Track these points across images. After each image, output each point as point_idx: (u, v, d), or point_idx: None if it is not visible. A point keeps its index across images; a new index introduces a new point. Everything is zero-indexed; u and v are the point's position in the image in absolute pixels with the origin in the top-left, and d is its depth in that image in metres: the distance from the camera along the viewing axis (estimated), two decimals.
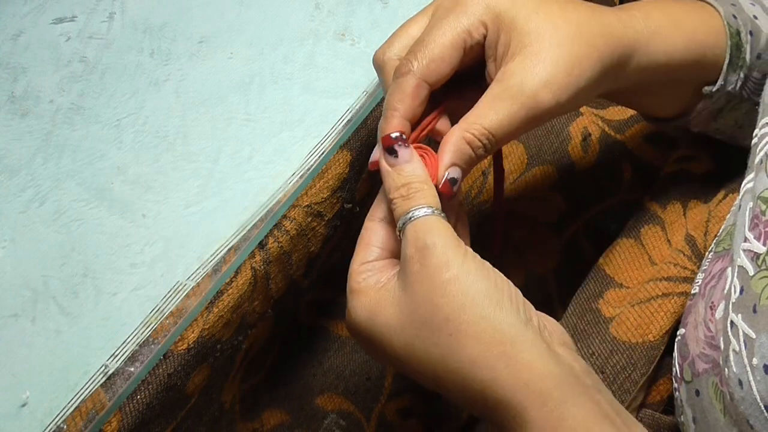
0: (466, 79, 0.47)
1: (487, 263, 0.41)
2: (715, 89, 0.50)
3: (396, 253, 0.44)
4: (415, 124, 0.46)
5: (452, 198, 0.44)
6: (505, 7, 0.44)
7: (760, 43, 0.50)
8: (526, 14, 0.44)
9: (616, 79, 0.47)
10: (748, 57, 0.50)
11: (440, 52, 0.44)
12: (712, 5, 0.50)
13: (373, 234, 0.44)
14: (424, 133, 0.46)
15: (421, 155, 0.44)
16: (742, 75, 0.50)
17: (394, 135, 0.43)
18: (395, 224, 0.43)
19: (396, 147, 0.43)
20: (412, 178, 0.43)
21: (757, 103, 0.50)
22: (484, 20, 0.44)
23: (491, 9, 0.44)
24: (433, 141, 0.47)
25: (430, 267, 0.39)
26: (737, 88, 0.51)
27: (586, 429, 0.36)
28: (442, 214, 0.42)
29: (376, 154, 0.46)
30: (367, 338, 0.42)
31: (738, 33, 0.49)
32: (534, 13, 0.44)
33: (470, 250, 0.41)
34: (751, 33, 0.50)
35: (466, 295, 0.39)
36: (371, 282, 0.42)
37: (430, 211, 0.41)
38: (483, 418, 0.40)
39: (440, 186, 0.43)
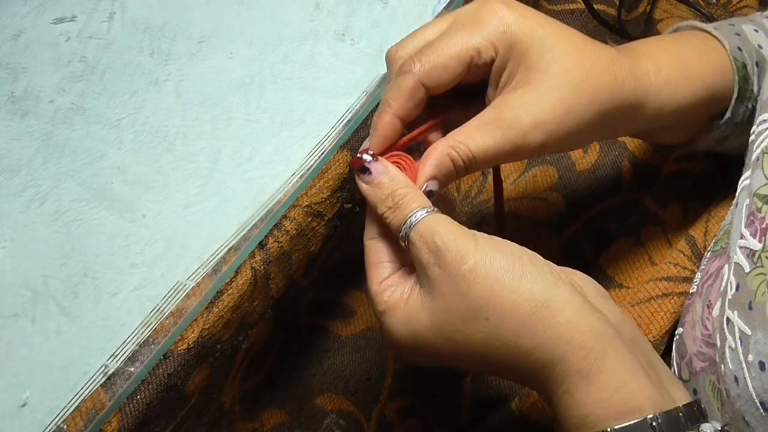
0: (473, 93, 0.47)
1: (498, 238, 0.41)
2: (722, 122, 0.50)
3: (404, 262, 0.45)
4: (409, 126, 0.46)
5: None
6: (522, 38, 0.44)
7: (766, 73, 0.50)
8: (540, 50, 0.44)
9: (616, 130, 0.48)
10: (755, 88, 0.50)
11: (444, 61, 0.44)
12: (717, 39, 0.50)
13: (379, 251, 0.45)
14: (417, 139, 0.46)
15: (398, 163, 0.44)
16: (749, 106, 0.50)
17: (359, 155, 0.44)
18: (393, 236, 0.44)
19: (366, 165, 0.44)
20: (393, 187, 0.43)
21: None
22: (496, 44, 0.44)
23: (508, 35, 0.44)
24: (419, 149, 0.48)
25: (448, 265, 0.40)
26: (745, 118, 0.51)
27: (625, 380, 0.37)
28: (437, 210, 0.42)
29: (366, 144, 0.46)
30: (412, 349, 0.43)
31: (744, 66, 0.49)
32: (549, 52, 0.44)
33: (477, 233, 0.41)
34: (757, 64, 0.50)
35: (489, 278, 0.39)
36: (396, 296, 0.43)
37: (425, 212, 0.42)
38: (531, 386, 0.41)
39: None
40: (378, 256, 0.45)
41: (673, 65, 0.48)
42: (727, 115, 0.50)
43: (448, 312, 0.40)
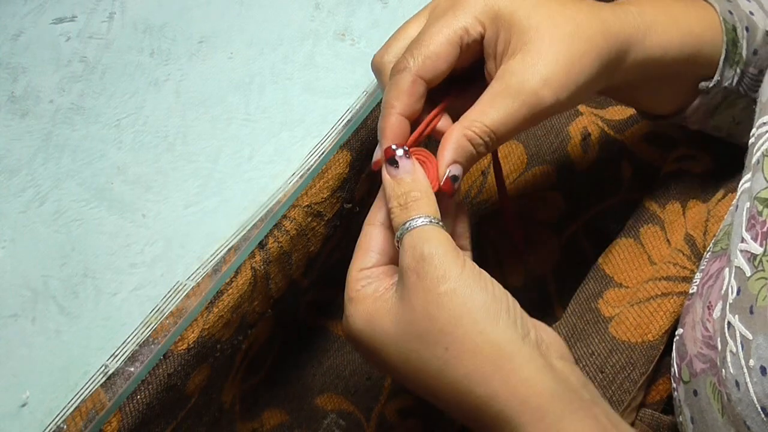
0: (465, 77, 0.47)
1: (486, 273, 0.41)
2: (711, 85, 0.50)
3: (395, 259, 0.44)
4: (414, 123, 0.46)
5: (453, 195, 0.44)
6: (504, 5, 0.44)
7: (756, 39, 0.50)
8: (525, 12, 0.44)
9: (613, 75, 0.47)
10: (744, 52, 0.50)
11: (436, 49, 0.44)
12: (707, 1, 0.50)
13: (372, 239, 0.44)
14: (426, 132, 0.46)
15: (421, 161, 0.44)
16: (738, 71, 0.50)
17: (394, 147, 0.43)
18: (393, 230, 0.43)
19: (397, 158, 0.43)
20: (411, 188, 0.43)
21: (754, 100, 0.50)
22: (481, 18, 0.44)
23: (490, 7, 0.44)
24: (434, 140, 0.47)
25: (427, 279, 0.39)
26: (734, 83, 0.51)
27: None
28: (441, 224, 0.42)
29: (378, 154, 0.46)
30: (365, 346, 0.42)
31: (734, 29, 0.50)
32: (533, 10, 0.44)
33: (469, 260, 0.41)
34: (747, 29, 0.50)
35: (463, 308, 0.38)
36: (369, 291, 0.42)
37: (427, 220, 0.41)
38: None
39: (442, 184, 0.43)
40: (370, 243, 0.44)
41: (658, 11, 0.48)
42: (716, 77, 0.50)
43: (411, 326, 0.39)
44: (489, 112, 0.43)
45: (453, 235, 0.44)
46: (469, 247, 0.47)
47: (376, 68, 0.48)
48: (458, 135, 0.43)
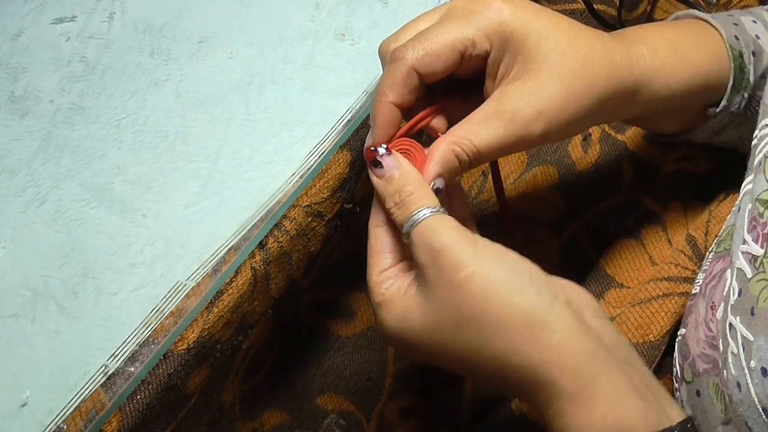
0: (469, 83, 0.47)
1: (500, 246, 0.41)
2: (718, 110, 0.51)
3: (406, 255, 0.44)
4: (409, 114, 0.46)
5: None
6: (518, 29, 0.44)
7: (763, 63, 0.50)
8: (536, 40, 0.44)
9: (613, 114, 0.48)
10: (751, 77, 0.50)
11: (437, 48, 0.44)
12: (714, 27, 0.50)
13: (381, 240, 0.45)
14: (418, 126, 0.46)
15: (407, 150, 0.44)
16: (746, 95, 0.50)
17: (373, 148, 0.44)
18: (398, 228, 0.43)
19: (379, 158, 0.43)
20: (402, 183, 0.43)
21: None
22: (491, 36, 0.44)
23: (503, 27, 0.44)
24: (428, 136, 0.47)
25: (444, 270, 0.40)
26: (741, 108, 0.51)
27: (616, 402, 0.37)
28: (442, 209, 0.42)
29: (369, 140, 0.46)
30: (404, 344, 0.43)
31: (741, 55, 0.50)
32: (545, 42, 0.44)
33: (480, 238, 0.41)
34: (753, 53, 0.50)
35: (486, 288, 0.39)
36: (394, 290, 0.43)
37: (429, 211, 0.42)
38: (521, 398, 0.41)
39: None
40: (381, 244, 0.45)
41: (668, 50, 0.48)
42: (723, 103, 0.50)
43: (440, 316, 0.40)
44: (479, 132, 0.44)
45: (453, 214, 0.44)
46: (472, 221, 0.47)
47: (382, 55, 0.48)
48: (446, 149, 0.44)
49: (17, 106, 0.58)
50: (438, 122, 0.47)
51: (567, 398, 0.38)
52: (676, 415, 0.38)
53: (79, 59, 0.61)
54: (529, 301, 0.39)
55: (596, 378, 0.37)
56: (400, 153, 0.44)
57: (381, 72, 0.50)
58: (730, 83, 0.50)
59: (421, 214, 0.41)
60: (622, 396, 0.37)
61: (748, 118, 0.51)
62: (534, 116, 0.44)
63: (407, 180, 0.43)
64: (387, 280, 0.43)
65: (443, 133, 0.46)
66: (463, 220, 0.45)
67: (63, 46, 0.62)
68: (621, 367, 0.38)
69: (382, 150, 0.44)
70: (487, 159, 0.45)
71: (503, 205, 0.53)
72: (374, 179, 0.44)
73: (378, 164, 0.44)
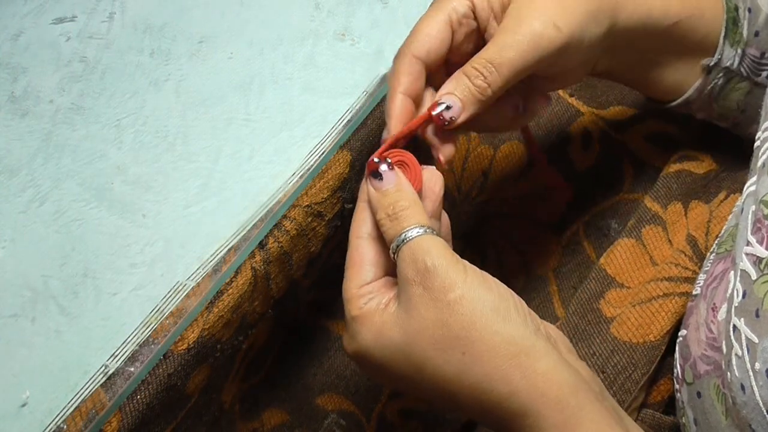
0: None
1: (488, 275, 0.41)
2: (713, 63, 0.51)
3: (389, 270, 0.44)
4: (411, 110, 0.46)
5: (445, 126, 0.45)
6: None
7: (758, 21, 0.51)
8: None
9: (610, 34, 0.48)
10: (745, 32, 0.51)
11: (426, 26, 0.45)
12: None
13: (364, 253, 0.43)
14: (409, 135, 0.46)
15: (402, 162, 0.44)
16: (739, 51, 0.51)
17: (377, 160, 0.44)
18: (382, 241, 0.43)
19: (380, 170, 0.43)
20: (397, 198, 0.42)
21: (757, 84, 0.50)
22: None
23: None
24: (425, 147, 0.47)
25: (434, 289, 0.39)
26: (735, 65, 0.51)
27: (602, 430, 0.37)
28: (434, 232, 0.41)
29: (385, 134, 0.46)
30: (374, 363, 0.41)
31: (736, 8, 0.50)
32: None
33: (469, 264, 0.41)
34: (749, 10, 0.51)
35: (473, 312, 0.38)
36: (373, 306, 0.41)
37: (422, 230, 0.41)
38: (498, 430, 0.40)
39: (434, 114, 0.44)
40: (363, 257, 0.43)
41: None
42: (716, 55, 0.51)
43: (422, 335, 0.39)
44: (488, 47, 0.45)
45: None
46: (450, 241, 0.47)
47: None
48: (457, 73, 0.45)
49: (17, 106, 0.58)
50: (433, 133, 0.47)
51: (553, 430, 0.37)
52: None
53: (79, 59, 0.61)
54: (515, 330, 0.38)
55: (581, 409, 0.37)
56: (396, 164, 0.44)
57: (381, 72, 0.51)
58: (722, 33, 0.50)
59: (414, 231, 0.41)
60: (606, 427, 0.37)
61: (743, 79, 0.52)
62: (538, 17, 0.44)
63: (403, 195, 0.42)
64: (367, 294, 0.42)
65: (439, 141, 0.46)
66: (446, 240, 0.45)
67: (63, 46, 0.62)
68: (600, 400, 0.38)
69: (384, 166, 0.43)
70: (506, 74, 0.44)
71: (526, 133, 0.53)
72: (370, 190, 0.44)
73: (378, 176, 0.43)
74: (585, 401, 0.37)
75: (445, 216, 0.47)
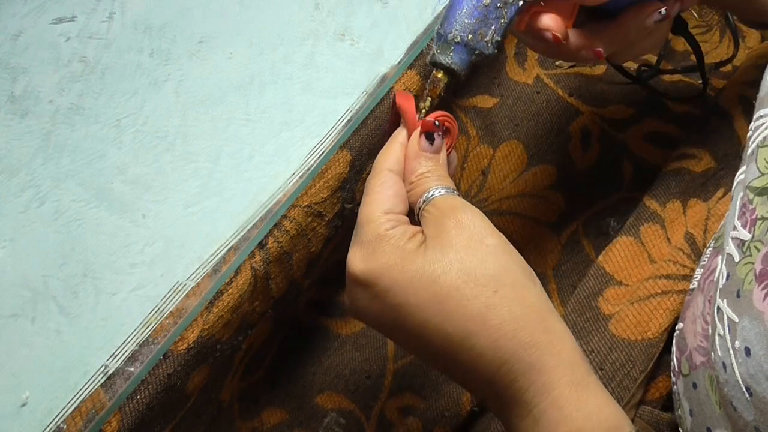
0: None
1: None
2: None
3: (407, 214, 0.43)
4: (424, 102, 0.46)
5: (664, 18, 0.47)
6: None
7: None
8: None
9: None
10: None
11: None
12: None
13: (392, 185, 0.42)
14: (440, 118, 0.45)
15: (448, 123, 0.44)
16: None
17: (437, 123, 0.44)
18: (417, 194, 0.43)
19: (435, 135, 0.44)
20: (434, 164, 0.43)
21: None
22: None
23: None
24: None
25: (474, 232, 0.40)
26: None
27: (606, 399, 0.38)
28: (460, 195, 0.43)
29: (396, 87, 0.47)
30: (385, 287, 0.39)
31: None
32: None
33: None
34: None
35: (509, 262, 0.39)
36: (399, 231, 0.40)
37: (450, 191, 0.42)
38: (487, 395, 0.39)
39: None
40: (391, 188, 0.42)
41: None
42: None
43: (455, 268, 0.38)
44: None
45: None
46: None
47: None
48: None
49: (17, 106, 0.58)
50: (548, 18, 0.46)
51: (568, 387, 0.38)
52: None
53: (79, 59, 0.61)
54: (539, 291, 0.40)
55: (589, 375, 0.38)
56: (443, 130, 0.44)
57: (381, 72, 0.51)
58: None
59: (442, 190, 0.42)
60: (608, 395, 0.39)
61: None
62: None
63: (440, 162, 0.44)
64: (394, 220, 0.41)
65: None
66: None
67: (63, 46, 0.62)
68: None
69: (437, 136, 0.43)
70: None
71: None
72: (413, 147, 0.43)
73: (431, 138, 0.43)
74: (591, 369, 0.39)
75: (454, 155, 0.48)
